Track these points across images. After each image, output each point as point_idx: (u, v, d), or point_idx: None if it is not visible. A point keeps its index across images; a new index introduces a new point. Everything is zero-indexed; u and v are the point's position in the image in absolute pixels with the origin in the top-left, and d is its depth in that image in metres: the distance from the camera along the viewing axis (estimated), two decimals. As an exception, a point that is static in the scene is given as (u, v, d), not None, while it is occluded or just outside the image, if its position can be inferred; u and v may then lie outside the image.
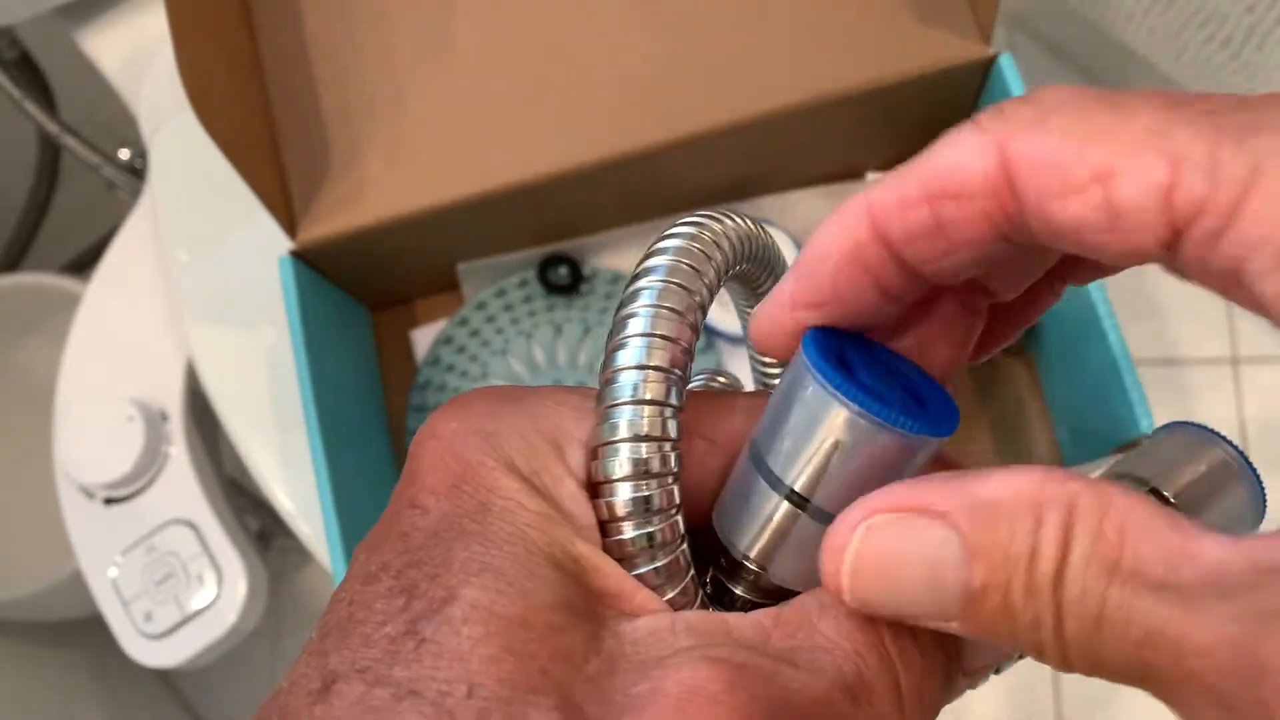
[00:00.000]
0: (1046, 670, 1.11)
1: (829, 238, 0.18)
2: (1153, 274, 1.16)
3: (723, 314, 0.63)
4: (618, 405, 0.19)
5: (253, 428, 0.66)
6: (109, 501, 0.67)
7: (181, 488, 0.67)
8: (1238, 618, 0.14)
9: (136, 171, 0.82)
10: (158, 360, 0.70)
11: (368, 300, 0.67)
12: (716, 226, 0.20)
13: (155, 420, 0.67)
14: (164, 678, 1.17)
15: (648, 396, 0.19)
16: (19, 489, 1.04)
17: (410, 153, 0.57)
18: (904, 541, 0.17)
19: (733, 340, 0.63)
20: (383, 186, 0.56)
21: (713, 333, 0.64)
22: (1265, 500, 0.21)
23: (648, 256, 0.20)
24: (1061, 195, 0.16)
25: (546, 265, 0.65)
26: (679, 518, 0.19)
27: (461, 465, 0.18)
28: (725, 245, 0.20)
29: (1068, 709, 1.09)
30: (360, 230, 0.56)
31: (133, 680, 1.11)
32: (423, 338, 0.67)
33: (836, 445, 0.18)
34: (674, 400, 0.19)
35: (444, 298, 0.68)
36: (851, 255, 0.18)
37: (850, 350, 0.19)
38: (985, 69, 0.56)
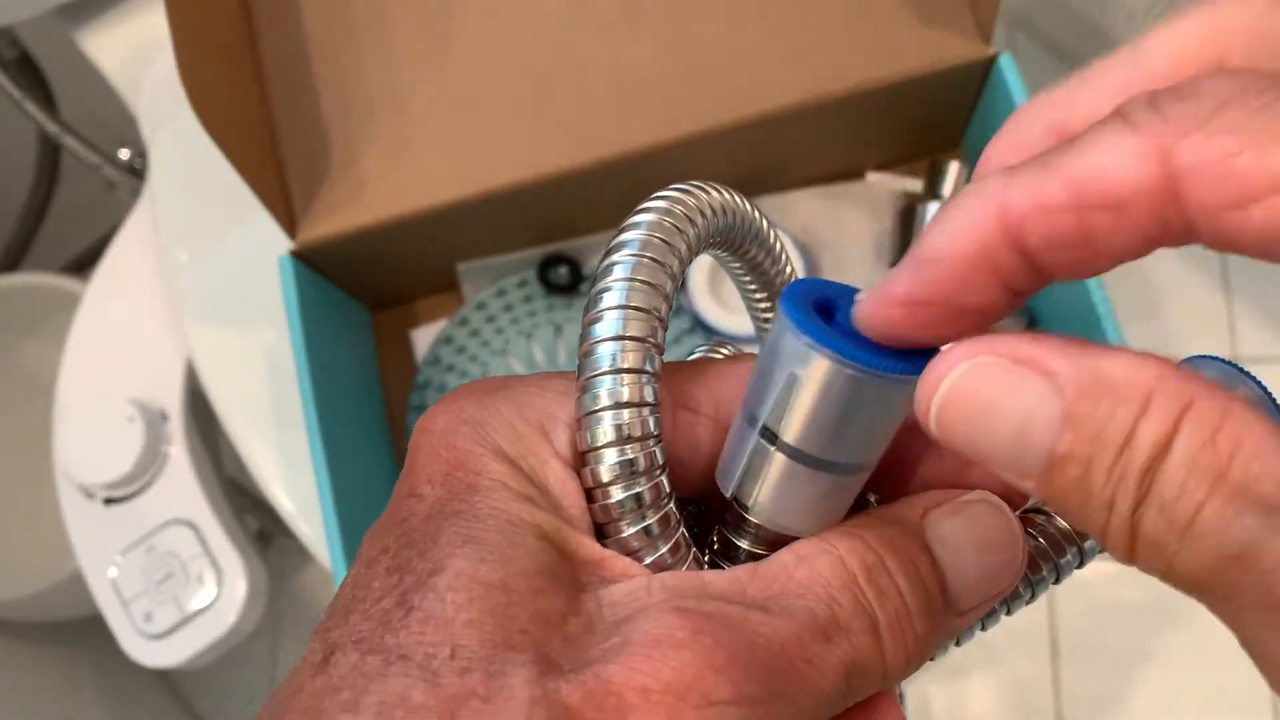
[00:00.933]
0: (1046, 670, 1.11)
1: (952, 236, 0.17)
2: (1153, 274, 1.15)
3: (723, 313, 0.63)
4: (598, 375, 0.19)
5: (253, 428, 0.66)
6: (109, 501, 0.67)
7: (181, 488, 0.67)
8: None
9: (136, 171, 0.82)
10: (158, 360, 0.70)
11: (368, 300, 0.67)
12: (690, 200, 0.21)
13: (155, 420, 0.68)
14: (164, 678, 1.17)
15: (626, 365, 0.19)
16: (19, 489, 1.04)
17: (410, 153, 0.57)
18: (1003, 390, 0.16)
19: (732, 340, 0.63)
20: (383, 186, 0.56)
21: (712, 332, 0.64)
22: None
23: (621, 232, 0.20)
24: (1241, 206, 0.14)
25: (546, 265, 0.65)
26: (663, 478, 0.20)
27: (454, 454, 0.19)
28: (698, 218, 0.21)
29: (1068, 709, 1.09)
30: (360, 230, 0.56)
31: (133, 680, 1.11)
32: (423, 338, 0.67)
33: (793, 377, 0.18)
34: (650, 368, 0.20)
35: (444, 298, 0.68)
36: (979, 258, 0.17)
37: (843, 299, 0.19)
38: (985, 69, 0.56)
